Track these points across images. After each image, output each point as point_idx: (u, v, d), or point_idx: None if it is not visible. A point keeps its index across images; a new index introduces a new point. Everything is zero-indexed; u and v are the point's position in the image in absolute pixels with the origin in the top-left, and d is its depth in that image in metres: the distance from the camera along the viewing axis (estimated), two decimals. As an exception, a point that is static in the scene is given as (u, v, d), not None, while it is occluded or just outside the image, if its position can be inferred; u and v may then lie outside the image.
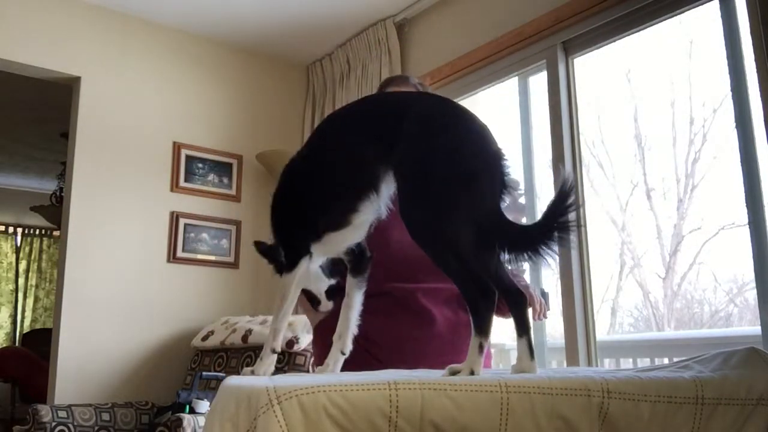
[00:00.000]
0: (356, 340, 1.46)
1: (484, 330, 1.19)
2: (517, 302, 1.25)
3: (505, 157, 1.27)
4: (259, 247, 1.44)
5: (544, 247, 1.19)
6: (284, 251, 1.39)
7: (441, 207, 1.22)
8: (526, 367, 1.22)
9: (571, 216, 1.19)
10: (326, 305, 1.49)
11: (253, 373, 1.33)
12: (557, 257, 1.21)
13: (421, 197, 1.24)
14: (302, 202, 1.40)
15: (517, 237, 1.23)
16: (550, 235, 1.19)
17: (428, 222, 1.23)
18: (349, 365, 1.42)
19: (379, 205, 1.35)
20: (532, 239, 1.21)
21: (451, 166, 1.24)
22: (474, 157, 1.25)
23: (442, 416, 1.01)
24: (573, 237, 1.20)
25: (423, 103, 1.37)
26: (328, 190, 1.39)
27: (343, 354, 1.42)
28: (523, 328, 1.23)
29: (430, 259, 1.28)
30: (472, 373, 1.16)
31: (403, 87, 1.96)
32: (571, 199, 1.19)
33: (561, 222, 1.19)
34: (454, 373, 1.17)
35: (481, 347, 1.18)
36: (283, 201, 1.43)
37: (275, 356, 1.37)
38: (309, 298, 1.49)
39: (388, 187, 1.34)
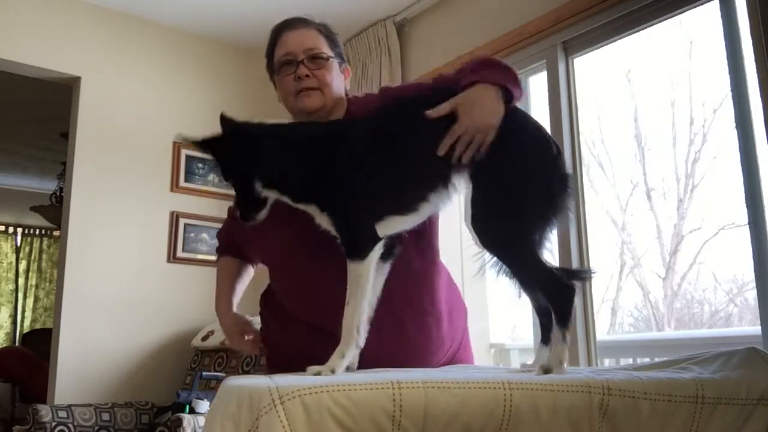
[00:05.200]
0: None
1: (567, 322, 1.29)
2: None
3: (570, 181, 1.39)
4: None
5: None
6: (352, 230, 1.36)
7: (524, 217, 1.33)
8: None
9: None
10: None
11: (320, 373, 1.24)
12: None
13: (505, 207, 1.33)
14: (374, 180, 1.39)
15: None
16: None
17: (513, 232, 1.32)
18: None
19: (444, 200, 1.42)
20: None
21: (530, 178, 1.35)
22: (552, 170, 1.38)
23: (446, 414, 1.01)
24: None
25: None
26: (404, 175, 1.41)
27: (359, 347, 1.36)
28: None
29: None
30: (560, 363, 1.26)
31: (302, 29, 1.75)
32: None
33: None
34: (546, 370, 1.25)
35: (564, 338, 1.28)
36: (354, 171, 1.39)
37: (354, 353, 1.33)
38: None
39: (454, 187, 1.40)
